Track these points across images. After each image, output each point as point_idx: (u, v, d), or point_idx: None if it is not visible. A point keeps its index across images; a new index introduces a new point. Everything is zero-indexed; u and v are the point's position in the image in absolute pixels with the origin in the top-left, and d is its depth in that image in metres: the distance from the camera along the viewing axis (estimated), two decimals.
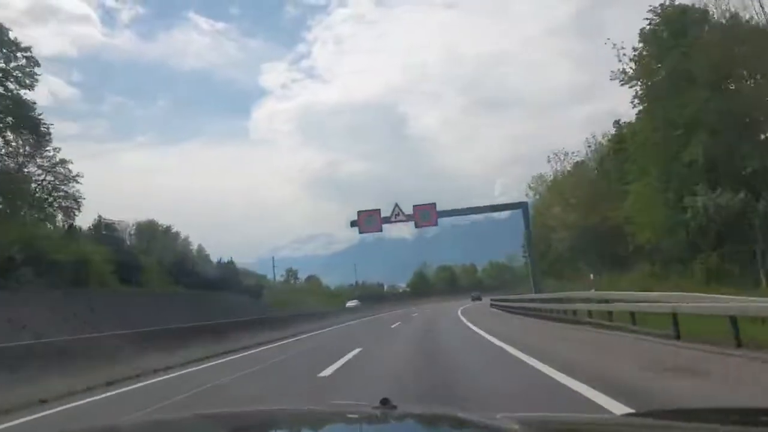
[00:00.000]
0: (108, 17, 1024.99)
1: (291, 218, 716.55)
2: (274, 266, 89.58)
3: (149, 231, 50.83)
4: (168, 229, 59.79)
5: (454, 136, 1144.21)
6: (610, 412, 4.26)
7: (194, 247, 64.18)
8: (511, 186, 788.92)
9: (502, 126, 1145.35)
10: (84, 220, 35.65)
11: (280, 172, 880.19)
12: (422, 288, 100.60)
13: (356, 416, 2.03)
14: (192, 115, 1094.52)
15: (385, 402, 1.80)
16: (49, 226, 32.67)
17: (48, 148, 32.14)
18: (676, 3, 27.50)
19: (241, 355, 13.84)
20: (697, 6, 27.22)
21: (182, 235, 54.84)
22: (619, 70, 28.67)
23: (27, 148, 31.34)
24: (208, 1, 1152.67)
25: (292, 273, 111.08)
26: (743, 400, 4.81)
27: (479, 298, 60.06)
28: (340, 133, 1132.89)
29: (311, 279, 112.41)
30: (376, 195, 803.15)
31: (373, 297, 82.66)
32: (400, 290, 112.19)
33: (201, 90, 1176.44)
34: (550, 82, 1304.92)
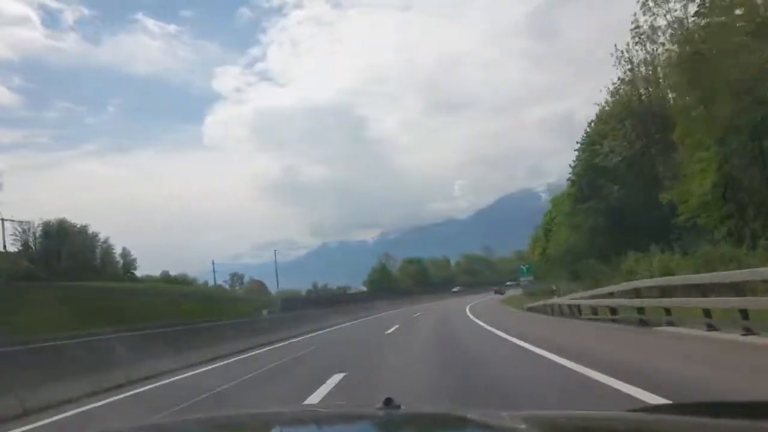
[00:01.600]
0: (50, 19, 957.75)
1: (250, 225, 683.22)
2: (214, 271, 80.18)
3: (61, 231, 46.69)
4: (83, 229, 59.17)
5: (413, 138, 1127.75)
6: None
7: (117, 250, 63.89)
8: (469, 187, 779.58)
9: (460, 127, 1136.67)
10: None
11: (237, 178, 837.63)
12: (386, 286, 76.89)
13: (360, 417, 1.96)
14: (144, 121, 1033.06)
15: (388, 402, 1.70)
16: None
17: None
18: None
19: None
20: None
21: (101, 237, 51.58)
22: None
23: None
24: (158, 2, 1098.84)
25: (237, 278, 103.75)
26: None
27: (502, 292, 51.90)
28: (298, 137, 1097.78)
29: (253, 283, 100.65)
30: (337, 198, 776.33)
31: (320, 302, 58.73)
32: (357, 291, 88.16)
33: (153, 95, 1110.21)
34: (507, 82, 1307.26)
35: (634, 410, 1.81)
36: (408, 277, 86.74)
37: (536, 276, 50.40)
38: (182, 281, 79.85)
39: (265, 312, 42.24)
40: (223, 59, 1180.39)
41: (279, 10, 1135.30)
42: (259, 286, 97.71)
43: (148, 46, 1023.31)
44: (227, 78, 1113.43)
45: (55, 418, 6.80)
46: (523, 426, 1.52)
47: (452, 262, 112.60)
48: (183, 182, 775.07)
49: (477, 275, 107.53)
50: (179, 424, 2.33)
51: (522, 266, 57.52)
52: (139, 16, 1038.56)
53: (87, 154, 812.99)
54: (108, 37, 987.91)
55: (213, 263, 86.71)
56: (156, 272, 77.74)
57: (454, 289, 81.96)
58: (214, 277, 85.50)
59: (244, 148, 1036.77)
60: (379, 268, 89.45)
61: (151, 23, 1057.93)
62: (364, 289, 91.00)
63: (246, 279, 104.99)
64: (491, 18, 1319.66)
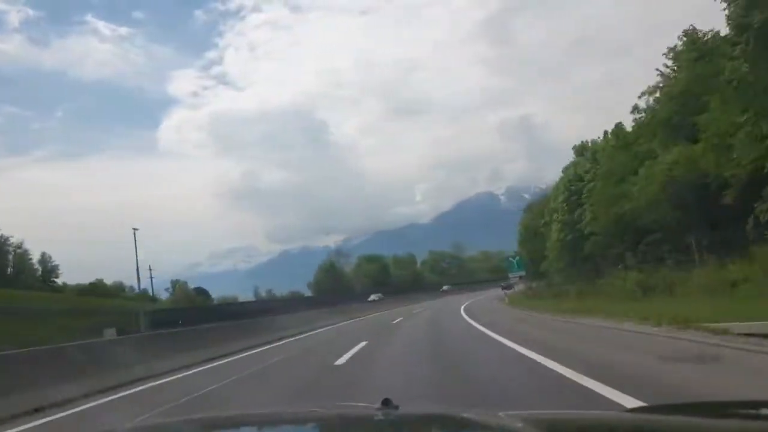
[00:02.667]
0: None
1: (208, 232, 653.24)
2: (151, 278, 67.27)
3: None
4: None
5: (374, 142, 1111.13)
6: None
7: (34, 257, 61.60)
8: (430, 191, 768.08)
9: (421, 131, 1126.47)
10: None
11: (194, 184, 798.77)
12: (335, 289, 58.79)
13: (358, 417, 1.91)
14: (96, 127, 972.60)
15: (386, 402, 1.68)
16: None
17: None
18: None
19: None
20: None
21: (14, 241, 45.80)
22: None
23: None
24: (109, 4, 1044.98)
25: (179, 285, 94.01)
26: None
27: (510, 287, 41.99)
28: (257, 141, 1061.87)
29: (184, 290, 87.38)
30: (298, 204, 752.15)
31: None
32: (310, 296, 70.53)
33: (105, 100, 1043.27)
34: (466, 86, 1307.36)
35: (632, 410, 1.82)
36: (364, 277, 68.44)
37: (528, 270, 38.18)
38: (108, 290, 70.09)
39: (109, 332, 25.06)
40: (178, 63, 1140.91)
41: (236, 14, 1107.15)
42: (194, 295, 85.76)
43: (98, 49, 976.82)
44: (183, 82, 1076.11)
45: None
46: (521, 426, 1.50)
47: (419, 261, 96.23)
48: (138, 189, 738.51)
49: (445, 274, 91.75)
50: (178, 424, 2.24)
51: (510, 258, 42.25)
52: (89, 17, 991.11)
53: (36, 161, 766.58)
54: (56, 40, 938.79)
55: (150, 270, 71.69)
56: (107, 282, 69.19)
57: (372, 298, 53.94)
58: (152, 285, 73.65)
59: (202, 154, 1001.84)
60: (326, 266, 69.57)
61: (101, 25, 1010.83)
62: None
63: (188, 287, 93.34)
64: (449, 23, 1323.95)
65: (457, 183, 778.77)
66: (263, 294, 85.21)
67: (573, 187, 29.00)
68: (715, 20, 16.95)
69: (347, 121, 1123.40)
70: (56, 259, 74.57)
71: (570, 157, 34.79)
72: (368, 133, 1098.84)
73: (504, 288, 41.19)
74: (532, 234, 43.14)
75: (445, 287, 71.57)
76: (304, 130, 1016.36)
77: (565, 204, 29.83)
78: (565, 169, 32.39)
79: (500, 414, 1.59)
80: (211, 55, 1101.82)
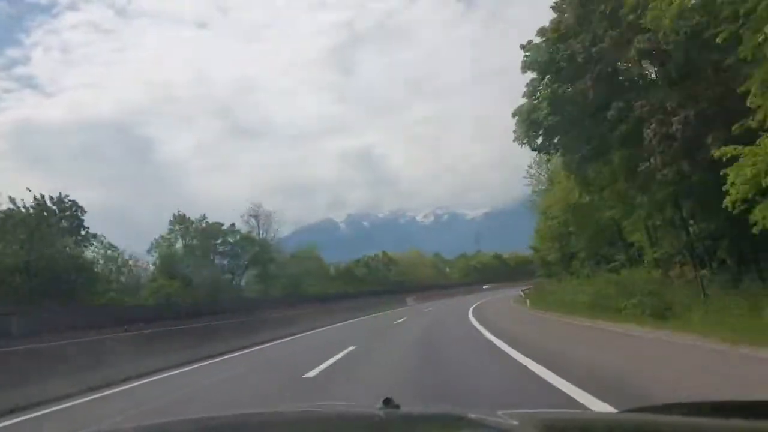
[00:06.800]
0: None
1: None
2: None
3: None
4: None
5: (207, 163, 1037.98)
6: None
7: None
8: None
9: (259, 153, 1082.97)
10: None
11: None
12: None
13: (360, 416, 1.88)
14: None
15: (387, 402, 1.67)
16: None
17: None
18: None
19: None
20: None
21: None
22: None
23: None
24: None
25: None
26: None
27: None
28: (70, 155, 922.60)
29: None
30: (117, 226, 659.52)
31: None
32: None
33: None
34: (308, 112, 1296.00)
35: (631, 410, 1.77)
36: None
37: None
38: None
39: None
40: None
41: (47, 10, 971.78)
42: None
43: None
44: None
45: None
46: (520, 425, 1.49)
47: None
48: None
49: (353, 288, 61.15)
50: (179, 424, 2.19)
51: None
52: None
53: None
54: None
55: None
56: None
57: None
58: None
59: (1, 166, 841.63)
60: None
61: None
62: None
63: None
64: (293, 47, 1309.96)
65: (294, 209, 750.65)
66: None
67: None
68: None
69: (178, 139, 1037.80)
70: None
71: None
72: (201, 153, 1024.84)
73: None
74: None
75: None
76: (128, 145, 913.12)
77: None
78: None
79: (500, 413, 1.57)
80: (14, 53, 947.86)
